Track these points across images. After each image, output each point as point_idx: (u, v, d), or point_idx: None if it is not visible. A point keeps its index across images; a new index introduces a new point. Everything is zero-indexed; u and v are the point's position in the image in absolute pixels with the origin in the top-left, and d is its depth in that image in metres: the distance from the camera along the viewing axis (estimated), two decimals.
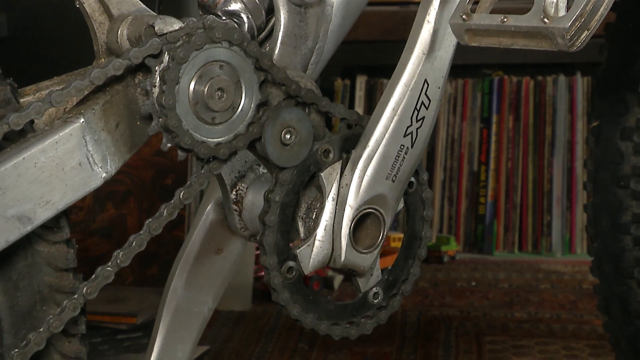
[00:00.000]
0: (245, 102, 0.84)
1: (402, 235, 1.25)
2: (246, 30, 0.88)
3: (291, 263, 0.87)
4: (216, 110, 0.83)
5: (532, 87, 2.38)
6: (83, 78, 0.80)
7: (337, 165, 0.88)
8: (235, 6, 0.88)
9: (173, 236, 1.81)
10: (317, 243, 0.88)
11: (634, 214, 1.25)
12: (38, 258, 0.81)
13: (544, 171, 2.37)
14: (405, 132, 0.88)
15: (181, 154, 0.84)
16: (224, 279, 0.99)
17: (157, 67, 0.81)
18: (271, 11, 0.90)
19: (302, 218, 0.89)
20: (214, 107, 0.83)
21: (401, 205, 0.92)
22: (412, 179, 0.92)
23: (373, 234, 0.90)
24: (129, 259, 0.83)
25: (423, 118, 0.89)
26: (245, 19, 0.88)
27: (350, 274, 0.91)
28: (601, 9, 0.76)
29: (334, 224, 0.88)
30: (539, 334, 1.76)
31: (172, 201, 0.84)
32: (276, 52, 0.89)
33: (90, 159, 0.80)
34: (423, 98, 0.88)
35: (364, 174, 0.88)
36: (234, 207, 0.93)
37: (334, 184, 0.88)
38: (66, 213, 0.82)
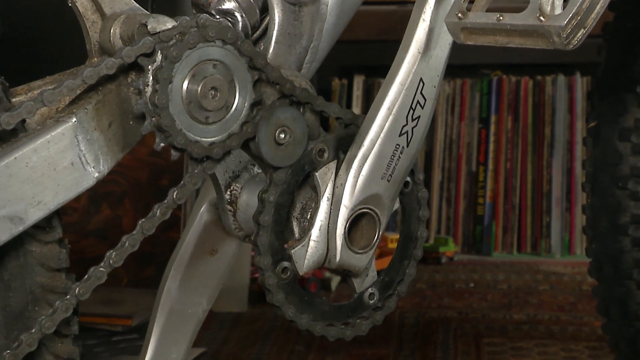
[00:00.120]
0: (239, 102, 0.84)
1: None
2: (240, 29, 0.88)
3: (286, 263, 0.87)
4: (210, 110, 0.83)
5: (531, 87, 2.38)
6: (75, 77, 0.80)
7: (332, 165, 0.88)
8: (229, 5, 0.87)
9: (168, 237, 1.81)
10: (311, 243, 0.87)
11: (632, 215, 1.25)
12: (30, 258, 0.81)
13: (543, 172, 2.36)
14: (401, 131, 0.88)
15: (174, 154, 0.83)
16: (218, 280, 0.99)
17: (150, 66, 0.81)
18: (265, 10, 0.89)
19: (296, 218, 0.88)
20: (207, 106, 0.83)
21: (397, 205, 0.91)
22: (408, 179, 0.91)
23: (368, 234, 0.89)
24: (121, 260, 0.83)
25: (419, 117, 0.88)
26: (239, 18, 0.88)
27: (346, 274, 0.91)
28: (597, 7, 0.76)
29: (329, 224, 0.87)
30: (538, 335, 1.75)
31: (166, 201, 0.84)
32: (270, 51, 0.89)
33: (83, 158, 0.80)
34: (419, 97, 0.88)
35: (359, 174, 0.87)
36: (229, 207, 0.92)
37: (329, 184, 0.87)
38: (58, 213, 0.82)
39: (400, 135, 0.88)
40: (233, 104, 0.84)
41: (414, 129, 0.88)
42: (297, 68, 0.91)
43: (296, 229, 0.88)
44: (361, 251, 0.89)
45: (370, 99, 2.39)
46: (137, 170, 1.83)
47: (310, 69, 0.91)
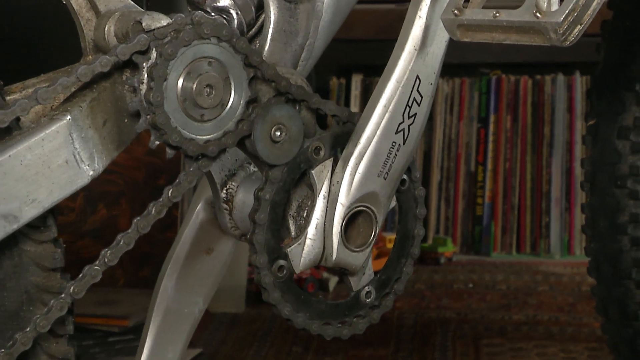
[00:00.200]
0: (234, 99, 0.84)
1: None
2: (235, 26, 0.87)
3: (282, 262, 0.86)
4: (205, 107, 0.83)
5: (530, 87, 2.37)
6: (69, 75, 0.79)
7: (328, 163, 0.87)
8: (224, 2, 0.87)
9: (166, 237, 1.80)
10: (308, 241, 0.87)
11: (631, 214, 1.24)
12: (25, 257, 0.81)
13: (543, 172, 2.36)
14: (397, 128, 0.87)
15: (170, 152, 0.83)
16: (214, 280, 0.98)
17: (144, 64, 0.81)
18: (261, 7, 0.89)
19: (293, 216, 0.88)
20: (202, 104, 0.82)
21: (393, 203, 0.91)
22: (405, 177, 0.91)
23: (365, 232, 0.89)
24: (116, 258, 0.82)
25: (415, 115, 0.88)
26: (234, 15, 0.87)
27: (342, 273, 0.91)
28: (594, 4, 0.76)
29: (325, 222, 0.87)
30: (537, 336, 1.75)
31: (161, 199, 0.83)
32: (266, 48, 0.89)
33: (77, 156, 0.80)
34: (415, 94, 0.87)
35: (356, 172, 0.87)
36: (225, 206, 0.92)
37: (325, 182, 0.87)
38: (53, 212, 0.81)
39: (396, 133, 0.88)
40: (228, 101, 0.84)
41: (410, 127, 0.88)
42: (293, 65, 0.90)
43: (292, 227, 0.88)
44: (358, 249, 0.89)
45: (369, 98, 2.38)
46: (133, 170, 1.82)
47: (306, 67, 0.91)
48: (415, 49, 0.87)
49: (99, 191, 1.82)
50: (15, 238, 0.80)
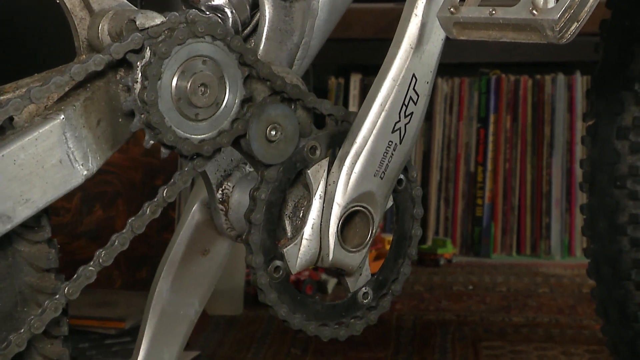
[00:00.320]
0: (229, 98, 0.83)
1: None
2: (230, 25, 0.87)
3: (278, 262, 0.86)
4: (199, 106, 0.82)
5: (530, 86, 2.37)
6: (63, 74, 0.79)
7: (325, 162, 0.87)
8: (218, 1, 0.87)
9: (163, 238, 1.80)
10: (304, 242, 0.86)
11: (631, 215, 1.24)
12: (19, 258, 0.81)
13: (543, 172, 2.35)
14: (394, 128, 0.87)
15: (164, 151, 0.83)
16: (210, 281, 0.98)
17: (138, 63, 0.80)
18: (256, 6, 0.89)
19: (289, 216, 0.87)
20: (197, 103, 0.82)
21: (390, 203, 0.91)
22: (402, 176, 0.91)
23: (361, 233, 0.89)
24: (111, 259, 0.82)
25: (411, 114, 0.87)
26: (229, 14, 0.87)
27: (339, 273, 0.90)
28: (591, 1, 0.75)
29: (321, 222, 0.87)
30: (537, 339, 1.74)
31: (156, 199, 0.83)
32: (261, 47, 0.88)
33: (71, 156, 0.79)
34: (411, 93, 0.87)
35: (352, 171, 0.86)
36: (220, 206, 0.92)
37: (321, 182, 0.87)
38: (47, 212, 0.81)
39: (393, 132, 0.87)
40: (223, 100, 0.83)
41: (406, 126, 0.87)
42: (289, 64, 0.90)
43: (288, 228, 0.87)
44: (354, 250, 0.88)
45: None
46: (130, 171, 1.82)
47: (302, 66, 0.91)
48: (412, 47, 0.86)
49: (95, 192, 1.81)
50: (8, 238, 0.79)
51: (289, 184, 0.86)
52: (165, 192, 0.83)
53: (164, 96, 0.81)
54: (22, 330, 0.79)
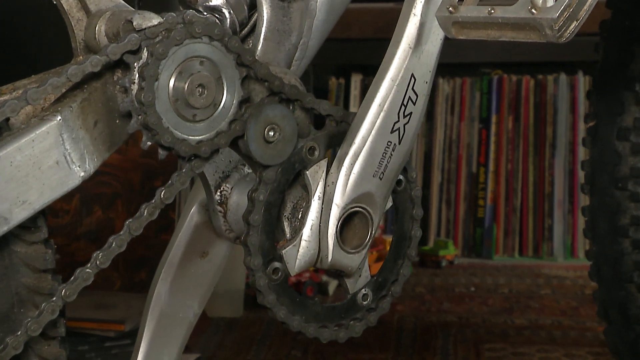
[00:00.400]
0: (226, 99, 0.83)
1: None
2: (228, 25, 0.87)
3: (277, 264, 0.85)
4: (197, 107, 0.82)
5: (532, 86, 2.36)
6: (60, 75, 0.79)
7: (323, 163, 0.87)
8: (216, 1, 0.86)
9: (162, 240, 1.79)
10: (303, 243, 0.86)
11: (632, 217, 1.23)
12: (15, 259, 0.80)
13: (545, 173, 2.34)
14: (393, 128, 0.87)
15: (162, 153, 0.82)
16: (209, 284, 0.97)
17: (135, 64, 0.80)
18: (254, 6, 0.89)
19: (287, 218, 0.87)
20: (194, 103, 0.82)
21: (390, 204, 0.90)
22: (401, 177, 0.90)
23: (361, 234, 0.88)
24: (108, 260, 0.82)
25: (410, 114, 0.87)
26: (227, 14, 0.87)
27: (338, 275, 0.90)
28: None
29: (320, 223, 0.86)
30: (539, 341, 1.74)
31: (153, 201, 0.82)
32: (259, 48, 0.88)
33: (68, 157, 0.79)
34: (410, 93, 0.86)
35: (351, 172, 0.86)
36: (219, 208, 0.91)
37: (320, 182, 0.86)
38: (44, 212, 0.81)
39: (392, 132, 0.87)
40: (221, 101, 0.83)
41: (405, 126, 0.87)
42: (287, 65, 0.89)
43: (287, 229, 0.87)
44: (353, 251, 0.88)
45: None
46: (129, 172, 1.81)
47: (300, 66, 0.90)
48: (410, 47, 0.86)
49: (94, 193, 1.81)
50: (5, 239, 0.79)
51: (287, 185, 0.86)
52: (162, 193, 0.83)
53: (161, 97, 0.80)
54: (19, 332, 0.79)
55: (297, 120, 0.85)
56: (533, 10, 0.75)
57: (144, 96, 0.79)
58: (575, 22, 0.75)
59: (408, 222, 0.92)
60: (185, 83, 0.81)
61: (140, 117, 0.80)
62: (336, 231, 0.86)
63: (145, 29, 0.80)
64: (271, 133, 0.84)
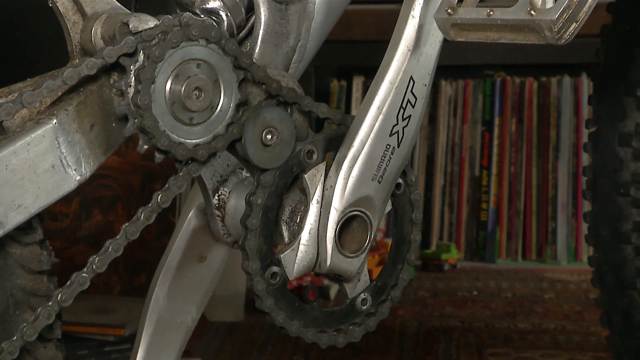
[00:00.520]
0: (224, 102, 0.82)
1: None
2: (225, 28, 0.86)
3: (275, 268, 0.85)
4: (194, 110, 0.81)
5: (535, 89, 2.35)
6: (55, 78, 0.78)
7: (321, 167, 0.86)
8: (213, 4, 0.86)
9: (161, 244, 1.79)
10: (301, 247, 0.85)
11: (634, 223, 1.23)
12: (10, 260, 0.80)
13: (549, 176, 2.34)
14: (391, 131, 0.86)
15: (158, 156, 0.82)
16: (207, 288, 0.97)
17: (132, 66, 0.80)
18: (251, 9, 0.88)
19: (285, 222, 0.86)
20: (191, 107, 0.81)
21: (389, 207, 0.89)
22: (400, 180, 0.90)
23: (359, 238, 0.87)
24: (105, 265, 0.81)
25: (409, 116, 0.86)
26: (224, 17, 0.86)
27: (337, 279, 0.89)
28: (589, 1, 0.74)
29: (318, 227, 0.86)
30: (543, 345, 1.73)
31: (150, 204, 0.82)
32: (257, 50, 0.87)
33: (64, 161, 0.79)
34: (409, 96, 0.86)
35: (349, 175, 0.85)
36: (217, 212, 0.91)
37: (318, 186, 0.86)
38: (39, 214, 0.80)
39: (390, 135, 0.86)
40: (218, 104, 0.82)
41: (404, 129, 0.86)
42: (284, 68, 0.89)
43: (285, 233, 0.86)
44: (352, 255, 0.87)
45: None
46: (129, 175, 1.81)
47: (298, 69, 0.90)
48: (409, 50, 0.85)
49: (93, 196, 1.81)
50: (0, 241, 0.78)
51: (285, 189, 0.85)
52: (159, 197, 0.82)
53: (157, 100, 0.80)
54: (15, 337, 0.78)
55: (295, 123, 0.85)
56: (532, 12, 0.75)
57: (140, 99, 0.79)
58: (574, 23, 0.74)
59: (407, 226, 0.91)
60: (182, 86, 0.80)
61: (136, 120, 0.80)
62: (335, 235, 0.86)
63: (141, 31, 0.80)
64: (269, 136, 0.83)
